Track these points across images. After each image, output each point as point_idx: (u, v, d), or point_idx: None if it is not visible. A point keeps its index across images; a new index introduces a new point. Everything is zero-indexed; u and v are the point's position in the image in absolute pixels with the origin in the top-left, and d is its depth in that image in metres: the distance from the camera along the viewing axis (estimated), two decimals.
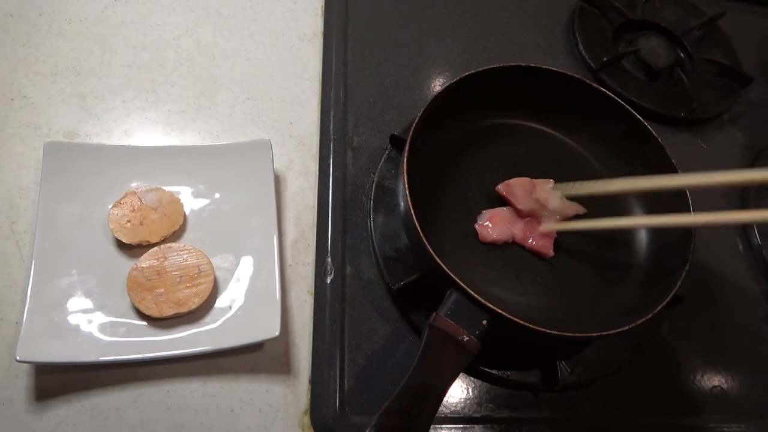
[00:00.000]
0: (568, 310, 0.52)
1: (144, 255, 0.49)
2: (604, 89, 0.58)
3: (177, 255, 0.49)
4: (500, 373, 0.50)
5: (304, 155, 0.59)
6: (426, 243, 0.45)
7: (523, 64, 0.57)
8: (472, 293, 0.43)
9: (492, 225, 0.54)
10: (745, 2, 0.85)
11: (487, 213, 0.55)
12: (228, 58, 0.64)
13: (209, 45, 0.64)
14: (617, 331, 0.45)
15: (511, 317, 0.43)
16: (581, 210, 0.57)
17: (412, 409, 0.40)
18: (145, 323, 0.47)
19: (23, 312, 0.44)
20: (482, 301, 0.43)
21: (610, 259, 0.56)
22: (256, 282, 0.50)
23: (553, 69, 0.58)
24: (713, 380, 0.55)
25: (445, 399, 0.50)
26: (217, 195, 0.54)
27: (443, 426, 0.49)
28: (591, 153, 0.62)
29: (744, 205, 0.65)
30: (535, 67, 0.58)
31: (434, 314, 0.43)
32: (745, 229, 0.65)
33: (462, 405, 0.50)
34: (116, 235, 0.49)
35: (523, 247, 0.55)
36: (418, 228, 0.46)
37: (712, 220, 0.51)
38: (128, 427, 0.45)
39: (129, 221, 0.50)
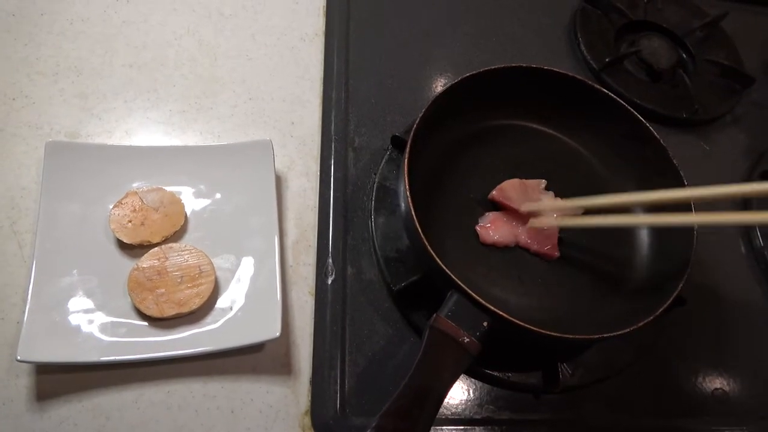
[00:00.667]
0: (569, 311, 0.52)
1: (145, 255, 0.49)
2: (605, 90, 0.58)
3: (178, 255, 0.49)
4: (501, 375, 0.50)
5: (306, 155, 0.59)
6: (427, 244, 0.45)
7: (524, 65, 0.57)
8: (473, 294, 0.43)
9: (493, 227, 0.54)
10: (748, 3, 0.85)
11: (489, 215, 0.55)
12: (229, 58, 0.64)
13: (211, 45, 0.64)
14: (619, 333, 0.45)
15: (512, 319, 0.43)
16: (580, 211, 0.56)
17: (412, 410, 0.40)
18: (145, 323, 0.47)
19: (24, 312, 0.44)
20: (483, 302, 0.43)
21: (613, 261, 0.56)
22: (257, 282, 0.49)
23: (555, 70, 0.58)
24: (715, 382, 0.55)
25: (446, 400, 0.49)
26: (218, 195, 0.54)
27: (444, 427, 0.48)
28: (593, 154, 0.62)
29: (747, 207, 0.65)
30: (537, 68, 0.57)
31: (435, 315, 0.43)
32: (747, 230, 0.64)
33: (463, 406, 0.50)
34: (117, 235, 0.49)
35: (527, 250, 0.54)
36: (419, 229, 0.46)
37: (715, 221, 0.51)
38: (129, 427, 0.45)
39: (130, 221, 0.50)
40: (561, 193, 0.58)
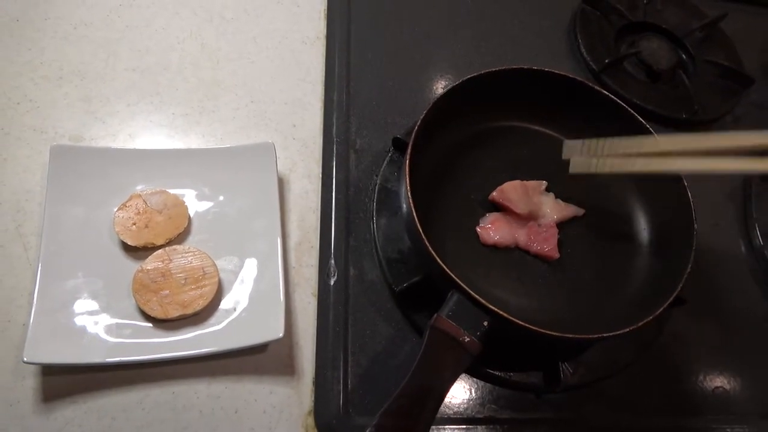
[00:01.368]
0: (569, 311, 0.53)
1: (149, 257, 0.49)
2: (605, 91, 0.59)
3: (182, 257, 0.49)
4: (503, 374, 0.50)
5: (307, 158, 0.60)
6: (428, 244, 0.46)
7: (525, 67, 0.58)
8: (473, 294, 0.44)
9: (494, 228, 0.54)
10: (747, 4, 0.85)
11: (489, 216, 0.55)
12: (231, 62, 0.64)
13: (213, 48, 0.65)
14: (619, 332, 0.45)
15: (512, 318, 0.43)
16: (579, 211, 0.57)
17: (413, 409, 0.40)
18: (150, 325, 0.47)
19: (30, 314, 0.44)
20: (483, 302, 0.43)
21: (612, 261, 0.56)
22: (260, 284, 0.50)
23: (555, 72, 0.58)
24: (716, 381, 0.55)
25: (448, 400, 0.50)
26: (221, 197, 0.54)
27: (446, 426, 0.49)
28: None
29: (746, 202, 0.66)
30: (537, 70, 0.58)
31: (435, 315, 0.44)
32: (747, 230, 0.65)
33: (465, 406, 0.50)
34: (121, 238, 0.50)
35: (527, 251, 0.55)
36: (420, 230, 0.46)
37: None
38: (134, 427, 0.45)
39: (134, 224, 0.50)
40: (562, 194, 0.58)
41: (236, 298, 0.50)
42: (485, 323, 0.44)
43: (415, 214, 0.47)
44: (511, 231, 0.54)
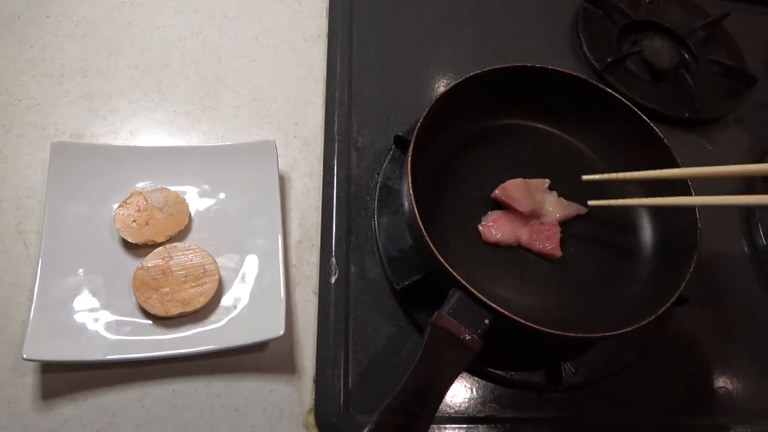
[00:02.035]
0: (571, 310, 0.53)
1: (149, 254, 0.49)
2: (610, 90, 0.58)
3: (182, 254, 0.49)
4: (504, 373, 0.50)
5: (309, 155, 0.60)
6: (429, 242, 0.45)
7: (528, 65, 0.57)
8: (475, 292, 0.43)
9: (496, 226, 0.54)
10: (750, 3, 0.85)
11: (491, 215, 0.55)
12: (233, 60, 0.64)
13: (215, 46, 0.65)
14: (621, 332, 0.45)
15: (513, 317, 0.43)
16: (582, 210, 0.57)
17: (412, 406, 0.40)
18: (150, 322, 0.47)
19: (30, 311, 0.44)
20: (485, 300, 0.43)
21: (615, 260, 0.56)
22: (261, 282, 0.50)
23: (558, 69, 0.58)
24: (718, 381, 0.55)
25: (449, 398, 0.50)
26: (222, 195, 0.54)
27: (447, 426, 0.49)
28: (596, 153, 0.62)
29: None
30: (540, 68, 0.58)
31: (436, 313, 0.43)
32: (750, 230, 0.64)
33: (466, 405, 0.50)
34: (122, 235, 0.50)
35: (529, 249, 0.55)
36: (422, 227, 0.46)
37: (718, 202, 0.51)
38: (134, 425, 0.45)
39: (135, 221, 0.50)
40: (564, 192, 0.58)
41: (237, 296, 0.49)
42: (486, 321, 0.43)
43: (417, 211, 0.47)
44: (513, 229, 0.54)
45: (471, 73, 0.55)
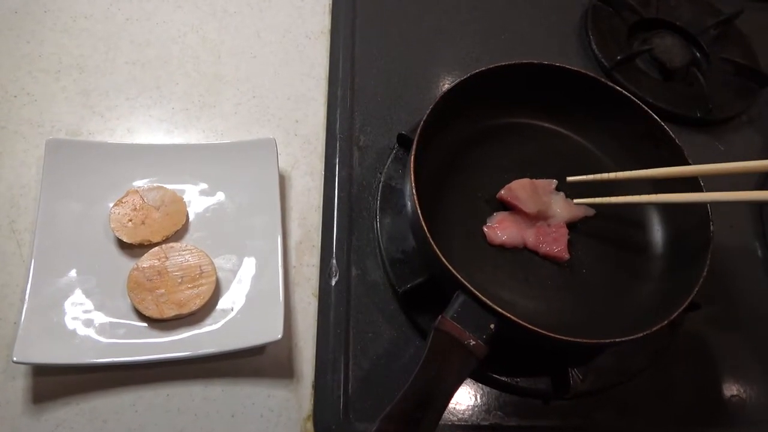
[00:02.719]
0: (579, 314, 0.51)
1: (145, 255, 0.48)
2: (620, 88, 0.57)
3: (179, 255, 0.48)
4: (509, 380, 0.48)
5: (310, 154, 0.58)
6: (433, 244, 0.44)
7: (535, 62, 0.56)
8: (480, 295, 0.42)
9: (501, 228, 0.52)
10: (763, 1, 0.83)
11: (497, 216, 0.54)
12: (234, 56, 0.63)
13: (215, 42, 0.64)
14: (631, 338, 0.43)
15: (520, 321, 0.41)
16: (590, 211, 0.55)
17: (414, 414, 0.38)
18: (145, 324, 0.46)
19: (21, 312, 0.43)
20: (490, 303, 0.42)
21: (625, 263, 0.54)
22: (259, 283, 0.48)
23: (566, 67, 0.57)
24: (732, 389, 0.53)
25: (453, 406, 0.48)
26: (220, 194, 0.53)
27: None
28: (605, 153, 0.61)
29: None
30: (548, 65, 0.56)
31: (440, 317, 0.42)
32: (764, 231, 0.62)
33: (470, 412, 0.48)
34: (117, 235, 0.48)
35: (535, 252, 0.53)
36: (426, 228, 0.45)
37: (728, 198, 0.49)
38: (127, 430, 0.44)
39: (130, 220, 0.49)
40: (572, 193, 0.56)
41: (234, 298, 0.48)
42: (491, 326, 0.42)
43: (420, 212, 0.45)
44: (519, 231, 0.52)
45: (476, 71, 0.53)
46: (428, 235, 0.44)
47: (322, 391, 0.47)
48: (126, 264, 0.48)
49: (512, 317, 0.42)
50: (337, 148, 0.58)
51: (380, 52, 0.66)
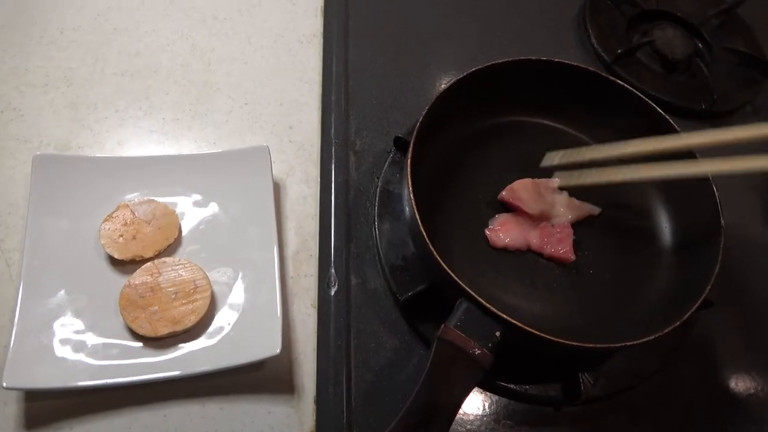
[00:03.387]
0: (588, 317, 0.49)
1: (137, 271, 0.46)
2: (622, 82, 0.55)
3: (172, 270, 0.47)
4: (518, 388, 0.47)
5: (305, 161, 0.57)
6: (433, 249, 0.42)
7: (533, 58, 0.54)
8: (484, 302, 0.40)
9: (504, 230, 0.51)
10: None
11: (499, 218, 0.52)
12: (224, 63, 0.62)
13: (205, 49, 0.62)
14: (644, 340, 0.41)
15: (526, 328, 0.40)
16: (595, 210, 0.54)
17: (418, 429, 0.37)
18: (139, 344, 0.44)
19: (11, 335, 0.42)
20: (494, 310, 0.40)
21: (633, 261, 0.53)
22: (256, 297, 0.47)
23: (566, 62, 0.55)
24: (746, 387, 0.51)
25: (460, 416, 0.47)
26: (213, 205, 0.51)
27: None
28: None
29: None
30: (546, 61, 0.55)
31: (443, 326, 0.40)
32: None
33: (478, 422, 0.47)
34: (108, 251, 0.47)
35: (540, 254, 0.51)
36: (425, 234, 0.43)
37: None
38: None
39: (121, 236, 0.48)
40: (576, 192, 0.55)
41: (230, 313, 0.46)
42: (497, 333, 0.40)
43: (418, 217, 0.44)
44: (522, 233, 0.51)
45: (472, 69, 0.52)
46: (428, 240, 0.43)
47: (324, 406, 0.45)
48: (118, 281, 0.46)
49: (519, 324, 0.40)
50: (333, 153, 0.56)
51: (374, 53, 0.64)
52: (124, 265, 0.47)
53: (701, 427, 0.50)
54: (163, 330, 0.44)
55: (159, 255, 0.48)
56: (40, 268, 0.45)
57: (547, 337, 0.40)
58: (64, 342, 0.43)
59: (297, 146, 0.57)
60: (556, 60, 0.55)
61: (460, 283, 0.41)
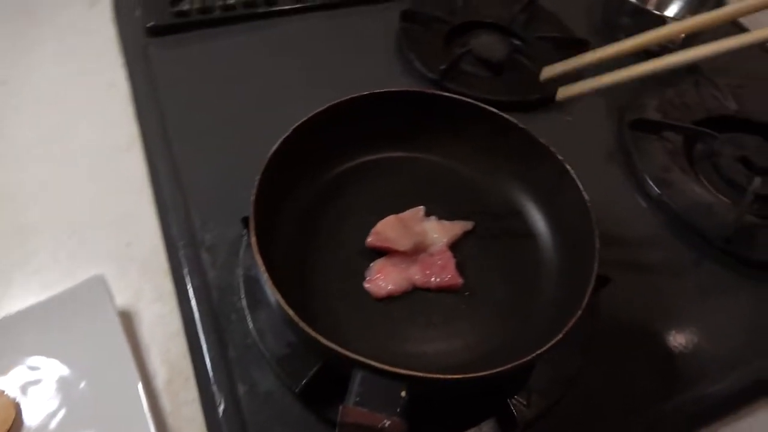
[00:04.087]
0: (496, 338, 0.46)
1: None
2: (448, 93, 0.54)
3: None
4: None
5: (153, 276, 0.50)
6: (308, 329, 0.37)
7: (355, 96, 0.52)
8: (377, 365, 0.36)
9: (383, 277, 0.47)
10: None
11: (374, 266, 0.48)
12: (38, 197, 0.55)
13: (12, 190, 0.55)
14: (555, 341, 0.39)
15: (430, 375, 0.36)
16: (468, 225, 0.52)
17: None
18: None
19: None
20: (391, 369, 0.36)
21: (520, 265, 0.51)
22: None
23: (390, 90, 0.54)
24: (675, 347, 0.50)
25: None
26: (54, 368, 0.43)
27: None
28: (464, 163, 0.57)
29: (629, 159, 0.63)
30: (370, 94, 0.53)
31: (341, 408, 0.35)
32: (639, 184, 0.61)
33: None
34: None
35: (427, 289, 0.48)
36: (295, 316, 0.38)
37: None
38: None
39: None
40: (443, 214, 0.52)
41: None
42: (402, 393, 0.35)
43: (283, 300, 0.39)
44: (402, 273, 0.47)
45: (297, 123, 0.49)
46: (297, 319, 0.38)
47: None
48: None
49: (422, 374, 0.36)
50: (182, 258, 0.50)
51: (201, 141, 0.60)
52: None
53: (652, 403, 0.47)
54: None
55: None
56: None
57: (458, 377, 0.37)
58: None
59: (140, 263, 0.51)
60: (380, 90, 0.53)
61: (347, 353, 0.36)
